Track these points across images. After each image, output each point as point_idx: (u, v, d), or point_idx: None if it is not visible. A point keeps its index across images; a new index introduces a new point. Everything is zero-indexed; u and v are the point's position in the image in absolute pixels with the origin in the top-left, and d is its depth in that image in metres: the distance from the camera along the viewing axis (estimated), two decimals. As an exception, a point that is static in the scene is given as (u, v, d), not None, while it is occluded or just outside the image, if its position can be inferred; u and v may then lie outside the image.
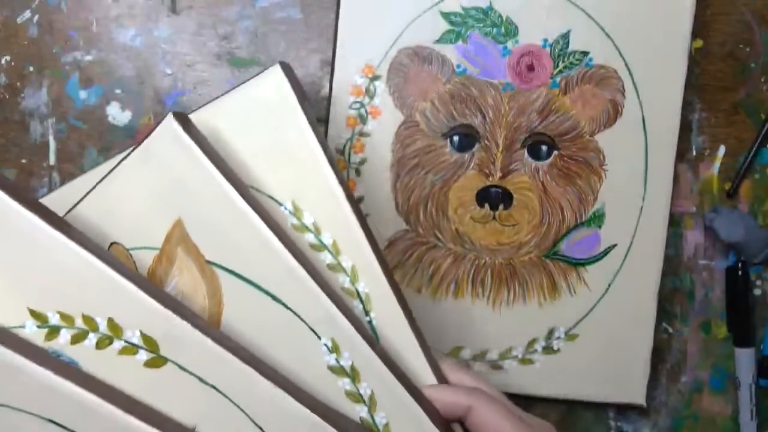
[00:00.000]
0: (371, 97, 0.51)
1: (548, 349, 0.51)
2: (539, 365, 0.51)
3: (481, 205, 0.51)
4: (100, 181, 0.42)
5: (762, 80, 0.53)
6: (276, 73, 0.43)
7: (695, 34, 0.51)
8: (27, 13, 0.52)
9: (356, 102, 0.51)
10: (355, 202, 0.43)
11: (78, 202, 0.42)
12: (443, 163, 0.51)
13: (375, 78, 0.51)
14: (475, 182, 0.51)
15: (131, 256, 0.42)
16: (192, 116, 0.43)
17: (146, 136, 0.41)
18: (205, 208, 0.41)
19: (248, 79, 0.44)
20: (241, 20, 0.52)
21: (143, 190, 0.41)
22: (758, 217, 0.53)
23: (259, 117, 0.43)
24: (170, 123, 0.41)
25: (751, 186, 0.53)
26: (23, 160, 0.53)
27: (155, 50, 0.52)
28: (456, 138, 0.51)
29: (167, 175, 0.41)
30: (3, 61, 0.52)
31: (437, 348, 0.51)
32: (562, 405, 0.53)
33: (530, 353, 0.51)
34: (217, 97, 0.44)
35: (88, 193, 0.42)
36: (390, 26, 0.50)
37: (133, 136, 0.52)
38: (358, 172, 0.51)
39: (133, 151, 0.42)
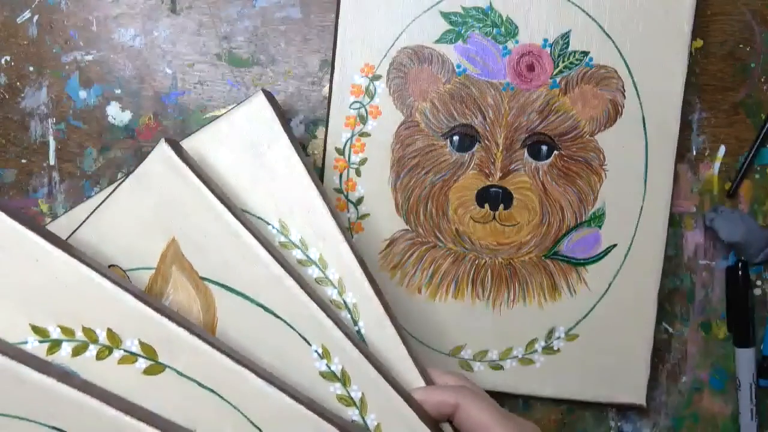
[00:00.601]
0: (371, 97, 0.51)
1: (548, 349, 0.51)
2: (539, 365, 0.51)
3: (481, 205, 0.51)
4: (98, 207, 0.44)
5: (762, 80, 0.53)
6: (259, 101, 0.46)
7: (695, 34, 0.51)
8: (27, 13, 0.52)
9: (356, 102, 0.51)
10: (339, 218, 0.45)
11: (76, 229, 0.44)
12: (443, 163, 0.51)
13: (375, 78, 0.51)
14: (475, 182, 0.51)
15: (128, 277, 0.44)
16: (182, 143, 0.45)
17: (139, 163, 0.44)
18: (198, 227, 0.43)
19: (233, 107, 0.47)
20: (241, 20, 0.52)
21: (138, 213, 0.43)
22: (758, 217, 0.53)
23: (245, 142, 0.46)
24: (163, 149, 0.43)
25: (751, 186, 0.53)
26: (23, 160, 0.53)
27: (155, 50, 0.52)
28: (456, 138, 0.51)
29: (161, 197, 0.43)
30: (3, 61, 0.52)
31: (437, 349, 0.51)
32: (562, 405, 0.53)
33: (530, 353, 0.51)
34: (204, 126, 0.47)
35: (86, 219, 0.44)
36: (390, 26, 0.50)
37: (133, 136, 0.53)
38: (358, 172, 0.51)
39: (128, 176, 0.44)
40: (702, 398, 0.54)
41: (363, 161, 0.51)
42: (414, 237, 0.51)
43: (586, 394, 0.52)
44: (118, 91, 0.52)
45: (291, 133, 0.46)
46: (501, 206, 0.51)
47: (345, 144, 0.51)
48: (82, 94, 0.52)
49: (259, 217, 0.45)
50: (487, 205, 0.51)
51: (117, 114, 0.53)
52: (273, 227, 0.45)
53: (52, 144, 0.53)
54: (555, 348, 0.51)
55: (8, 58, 0.52)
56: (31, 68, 0.52)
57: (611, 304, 0.51)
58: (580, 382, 0.51)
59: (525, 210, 0.51)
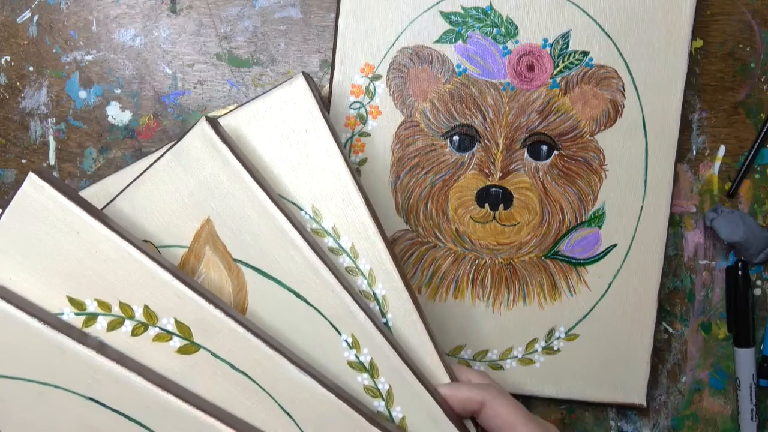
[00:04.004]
0: (371, 97, 0.51)
1: (548, 349, 0.51)
2: (539, 365, 0.51)
3: (481, 205, 0.51)
4: (133, 181, 0.44)
5: (762, 80, 0.53)
6: (299, 84, 0.45)
7: (695, 34, 0.51)
8: (27, 13, 0.52)
9: (356, 102, 0.51)
10: (372, 208, 0.44)
11: (110, 202, 0.44)
12: (443, 163, 0.51)
13: (375, 78, 0.51)
14: (475, 182, 0.51)
15: (161, 253, 0.44)
16: (219, 120, 0.45)
17: (178, 140, 0.43)
18: (234, 209, 0.43)
19: (272, 88, 0.46)
20: (241, 20, 0.52)
21: (175, 190, 0.43)
22: (758, 217, 0.53)
23: (282, 125, 0.45)
24: (203, 127, 0.43)
25: (751, 186, 0.53)
26: (23, 160, 0.53)
27: (155, 50, 0.52)
28: (456, 138, 0.51)
29: (198, 176, 0.43)
30: (3, 61, 0.52)
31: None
32: (562, 405, 0.53)
33: (530, 353, 0.51)
34: (242, 104, 0.46)
35: (120, 192, 0.44)
36: (390, 26, 0.50)
37: (133, 137, 0.52)
38: (358, 172, 0.51)
39: (165, 152, 0.44)
40: (702, 398, 0.54)
41: (363, 161, 0.51)
42: (414, 237, 0.51)
43: (586, 394, 0.52)
44: (118, 91, 0.52)
45: (329, 119, 0.46)
46: (501, 206, 0.51)
47: (345, 144, 0.51)
48: (82, 94, 0.52)
49: (292, 202, 0.45)
50: (487, 205, 0.51)
51: (117, 114, 0.53)
52: (305, 213, 0.45)
53: (52, 144, 0.53)
54: (555, 348, 0.51)
55: (8, 58, 0.52)
56: (31, 68, 0.52)
57: (611, 304, 0.51)
58: (580, 382, 0.51)
59: (525, 210, 0.51)
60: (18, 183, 0.53)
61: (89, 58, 0.52)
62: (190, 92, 0.53)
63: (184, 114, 0.52)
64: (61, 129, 0.53)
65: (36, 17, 0.52)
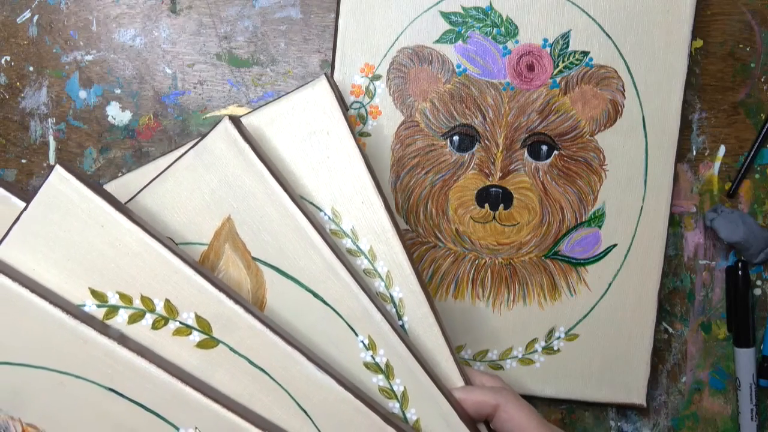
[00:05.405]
0: (371, 97, 0.51)
1: (548, 349, 0.51)
2: (539, 365, 0.51)
3: (481, 205, 0.51)
4: (154, 178, 0.44)
5: (762, 80, 0.53)
6: (322, 86, 0.45)
7: (695, 34, 0.51)
8: (27, 13, 0.52)
9: (356, 102, 0.51)
10: (392, 211, 0.45)
11: (131, 198, 0.44)
12: (443, 163, 0.51)
13: (375, 78, 0.51)
14: (475, 182, 0.51)
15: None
16: (242, 119, 0.45)
17: (200, 139, 0.44)
18: (255, 209, 0.43)
19: (295, 89, 0.46)
20: (241, 20, 0.52)
21: (196, 188, 0.44)
22: (758, 217, 0.53)
23: (304, 126, 0.45)
24: (227, 126, 0.43)
25: (751, 186, 0.53)
26: (23, 160, 0.53)
27: (155, 50, 0.52)
28: (456, 138, 0.51)
29: (220, 175, 0.43)
30: (3, 61, 0.52)
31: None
32: (562, 405, 0.53)
33: (530, 353, 0.51)
34: (264, 104, 0.46)
35: (141, 189, 0.44)
36: (390, 26, 0.50)
37: (133, 137, 0.52)
38: (358, 172, 0.51)
39: (188, 151, 0.44)
40: (702, 398, 0.54)
41: (363, 161, 0.51)
42: (414, 237, 0.51)
43: (586, 394, 0.52)
44: (118, 91, 0.52)
45: (350, 122, 0.46)
46: (501, 206, 0.51)
47: (345, 144, 0.51)
48: (82, 94, 0.52)
49: (311, 203, 0.45)
50: (487, 205, 0.51)
51: (117, 114, 0.53)
52: (325, 214, 0.45)
53: (52, 144, 0.53)
54: (555, 348, 0.51)
55: (8, 58, 0.52)
56: (31, 68, 0.52)
57: (611, 304, 0.51)
58: (580, 382, 0.51)
59: (525, 210, 0.51)
60: (18, 183, 0.53)
61: (89, 58, 0.52)
62: (190, 92, 0.53)
63: (184, 114, 0.52)
64: (61, 129, 0.53)
65: (36, 17, 0.52)
